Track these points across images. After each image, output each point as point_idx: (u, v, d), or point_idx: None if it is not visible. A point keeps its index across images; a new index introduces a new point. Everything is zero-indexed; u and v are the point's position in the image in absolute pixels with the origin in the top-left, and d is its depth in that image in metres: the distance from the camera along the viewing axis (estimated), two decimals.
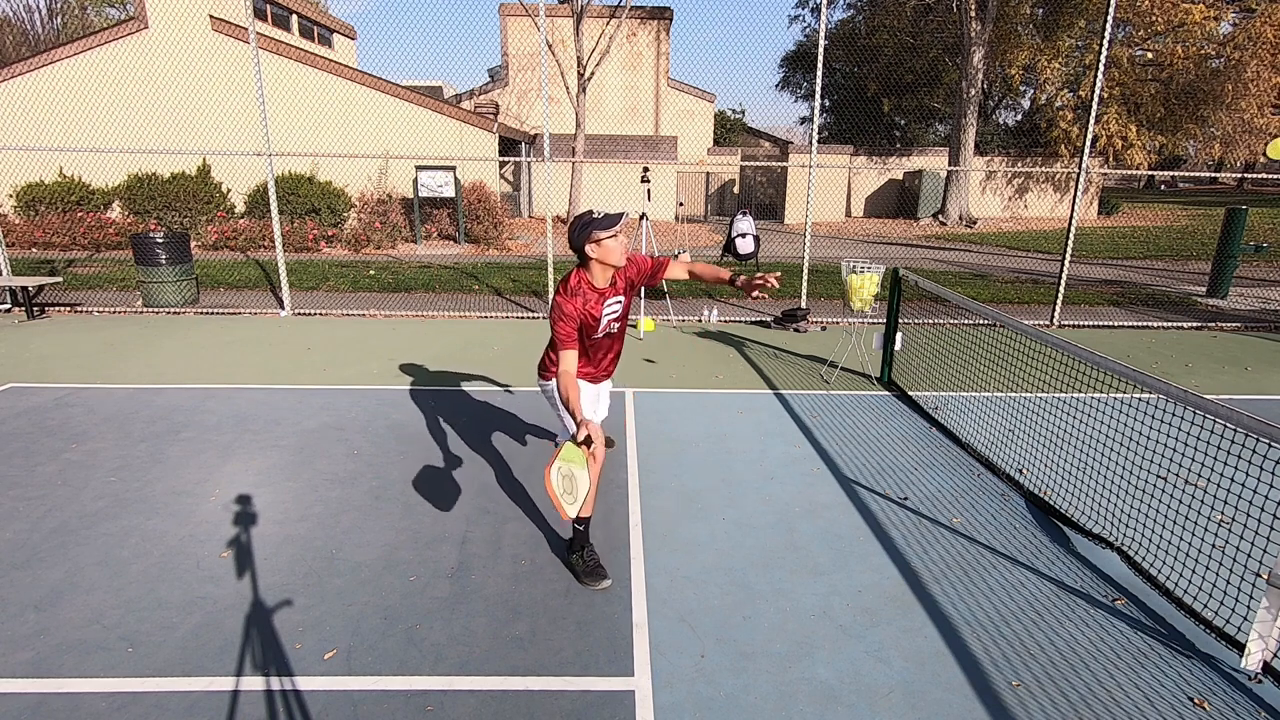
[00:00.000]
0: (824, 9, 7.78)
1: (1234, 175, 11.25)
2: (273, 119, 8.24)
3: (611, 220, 2.84)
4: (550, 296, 8.34)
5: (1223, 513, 3.44)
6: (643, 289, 7.68)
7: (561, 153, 20.53)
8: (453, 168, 14.56)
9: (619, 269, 2.97)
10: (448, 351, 6.67)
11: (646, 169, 7.22)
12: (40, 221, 13.51)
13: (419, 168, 14.50)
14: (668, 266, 3.21)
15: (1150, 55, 21.92)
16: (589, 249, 2.87)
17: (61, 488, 3.76)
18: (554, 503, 2.42)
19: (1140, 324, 8.27)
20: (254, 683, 2.39)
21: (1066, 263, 8.06)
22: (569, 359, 2.88)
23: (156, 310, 8.17)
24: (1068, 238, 7.96)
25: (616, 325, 3.14)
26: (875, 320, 7.38)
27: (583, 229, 2.86)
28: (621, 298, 3.08)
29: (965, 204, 22.16)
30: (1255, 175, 35.04)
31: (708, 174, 24.59)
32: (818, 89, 7.74)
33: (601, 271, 2.92)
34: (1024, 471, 4.13)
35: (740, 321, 8.20)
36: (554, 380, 3.04)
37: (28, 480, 3.84)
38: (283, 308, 8.24)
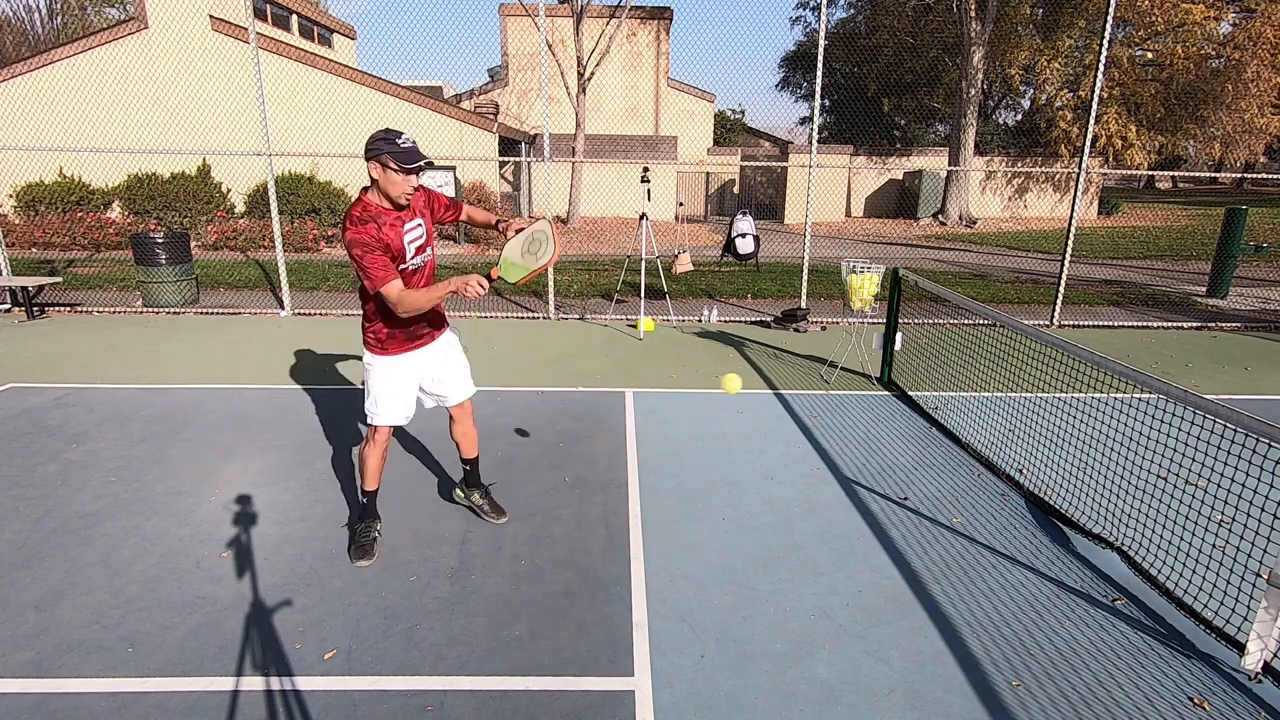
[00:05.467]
0: (824, 9, 7.78)
1: (1234, 175, 11.23)
2: (273, 119, 8.24)
3: (411, 157, 2.57)
4: (548, 296, 8.34)
5: (1223, 513, 3.44)
6: (642, 291, 7.68)
7: (561, 153, 20.53)
8: (453, 168, 14.57)
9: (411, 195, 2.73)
10: None
11: (646, 169, 7.21)
12: (40, 221, 13.52)
13: None
14: (463, 209, 3.10)
15: (1150, 55, 21.94)
16: (372, 168, 2.60)
17: (61, 488, 3.76)
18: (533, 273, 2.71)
19: (1140, 324, 8.27)
20: (254, 683, 2.40)
21: (1066, 263, 8.06)
22: (396, 290, 2.61)
23: (156, 310, 8.17)
24: (1068, 238, 7.96)
25: (425, 257, 2.88)
26: (875, 320, 7.37)
27: (380, 142, 2.57)
28: (422, 220, 2.83)
29: (965, 204, 22.16)
30: (1255, 175, 35.03)
31: (708, 174, 24.57)
32: (818, 89, 7.74)
33: (392, 192, 2.66)
34: (1024, 471, 4.13)
35: (740, 321, 8.20)
36: (382, 357, 2.90)
37: (28, 480, 3.84)
38: (283, 308, 8.24)
